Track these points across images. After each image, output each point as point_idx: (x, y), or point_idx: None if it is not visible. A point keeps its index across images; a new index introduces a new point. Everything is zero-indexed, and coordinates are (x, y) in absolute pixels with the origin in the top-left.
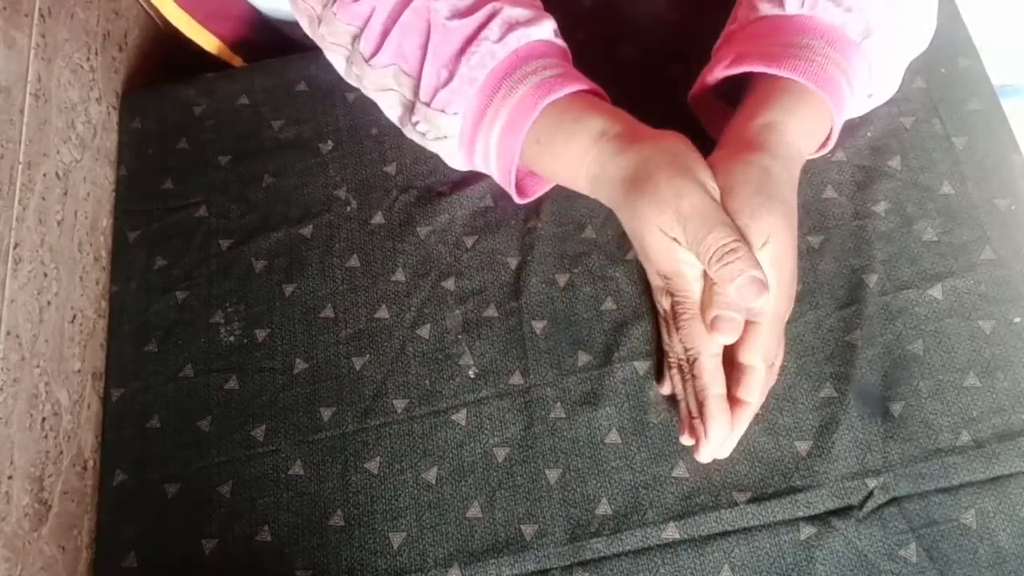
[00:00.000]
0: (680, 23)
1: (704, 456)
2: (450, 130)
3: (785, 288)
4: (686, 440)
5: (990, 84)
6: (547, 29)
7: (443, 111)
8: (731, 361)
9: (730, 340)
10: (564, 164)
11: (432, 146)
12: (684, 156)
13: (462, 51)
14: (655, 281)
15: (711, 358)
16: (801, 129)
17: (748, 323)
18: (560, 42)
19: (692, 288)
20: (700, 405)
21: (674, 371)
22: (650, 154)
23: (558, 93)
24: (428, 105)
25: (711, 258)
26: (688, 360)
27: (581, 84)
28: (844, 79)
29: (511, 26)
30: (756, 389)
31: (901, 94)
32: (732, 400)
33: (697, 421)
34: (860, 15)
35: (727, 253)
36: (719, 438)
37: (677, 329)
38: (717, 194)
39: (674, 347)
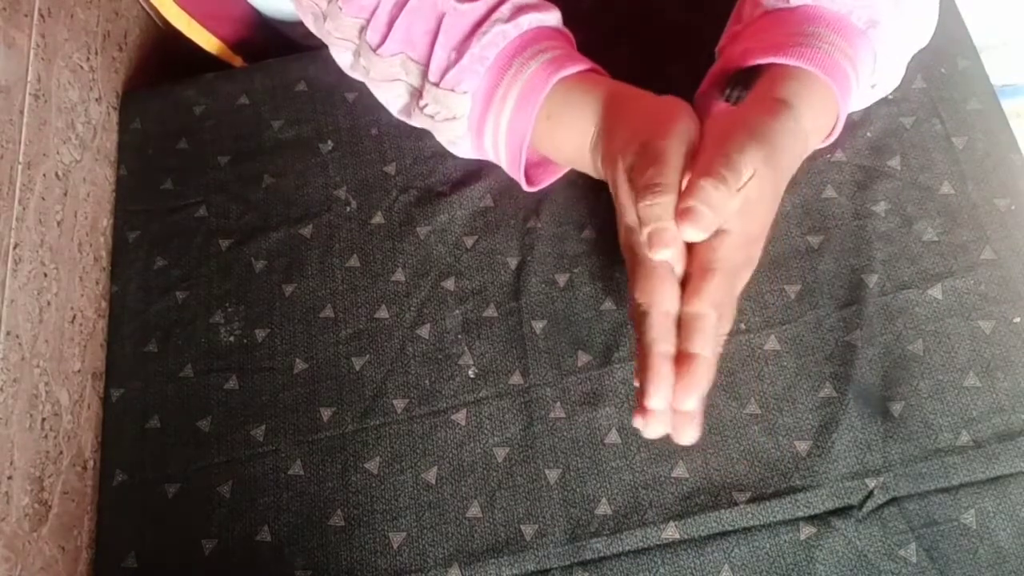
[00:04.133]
0: (680, 23)
1: (650, 430)
2: (460, 110)
3: (746, 241)
4: (638, 423)
5: (990, 84)
6: (555, 18)
7: (452, 90)
8: (678, 320)
9: (698, 235)
10: (573, 136)
11: (440, 128)
12: (675, 109)
13: (473, 32)
14: (623, 235)
15: (662, 315)
16: (810, 114)
17: (699, 271)
18: (567, 32)
19: None
20: (642, 365)
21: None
22: (643, 108)
23: (569, 69)
24: (437, 85)
25: (639, 191)
26: (639, 316)
27: (590, 64)
28: (850, 67)
29: (522, 9)
30: (708, 339)
31: (901, 94)
32: (683, 356)
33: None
34: (866, 3)
35: (655, 193)
36: (659, 398)
37: (634, 282)
38: (691, 143)
39: (635, 309)
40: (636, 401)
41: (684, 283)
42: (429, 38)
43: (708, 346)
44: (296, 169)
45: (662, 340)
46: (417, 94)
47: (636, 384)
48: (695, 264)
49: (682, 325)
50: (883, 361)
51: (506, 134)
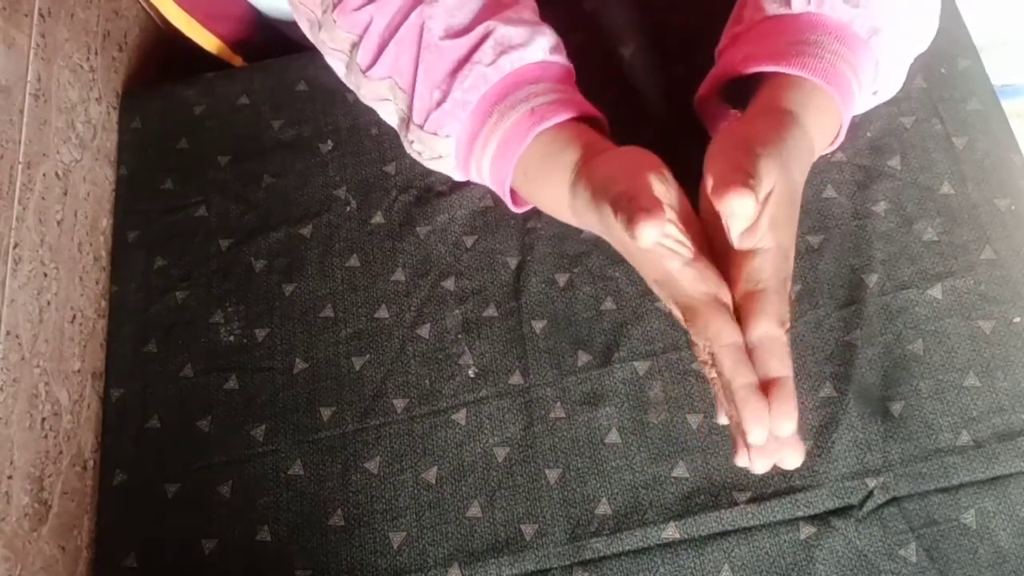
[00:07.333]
0: (680, 24)
1: (759, 465)
2: (444, 151)
3: (783, 253)
4: (741, 461)
5: (990, 84)
6: (542, 49)
7: (436, 134)
8: (749, 347)
9: (743, 212)
10: (549, 196)
11: (430, 165)
12: (644, 157)
13: (455, 72)
14: (658, 290)
15: (729, 348)
16: (815, 125)
17: (751, 295)
18: (558, 59)
19: (684, 284)
20: (732, 403)
21: (718, 389)
22: (613, 163)
23: (548, 122)
24: (421, 127)
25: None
26: (707, 357)
27: (571, 111)
28: (853, 75)
29: (504, 49)
30: (785, 358)
31: (902, 94)
32: (768, 384)
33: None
34: (868, 11)
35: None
36: (760, 430)
37: (691, 326)
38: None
39: (701, 355)
40: (733, 442)
41: (738, 313)
42: (414, 68)
43: (786, 365)
44: (296, 169)
45: (740, 372)
46: (406, 121)
47: (721, 422)
48: (745, 290)
49: (755, 353)
50: (883, 361)
51: (489, 178)
